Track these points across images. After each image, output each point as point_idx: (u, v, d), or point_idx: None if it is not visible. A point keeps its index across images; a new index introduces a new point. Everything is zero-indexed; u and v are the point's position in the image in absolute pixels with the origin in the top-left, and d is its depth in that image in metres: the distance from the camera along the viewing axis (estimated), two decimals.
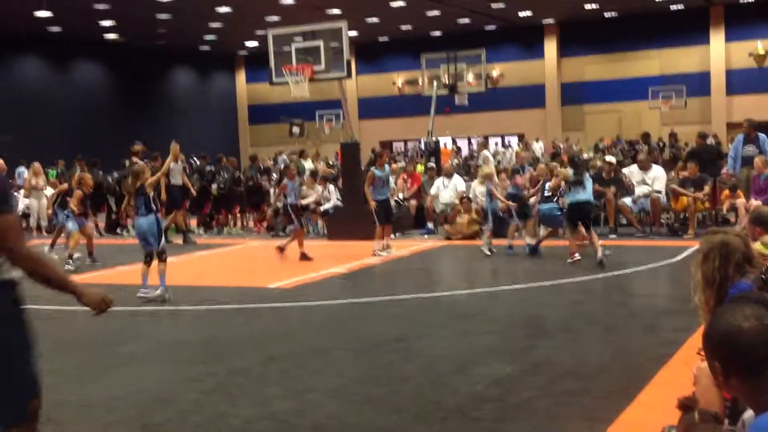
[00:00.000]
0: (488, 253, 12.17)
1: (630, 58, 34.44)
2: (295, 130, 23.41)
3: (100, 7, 26.57)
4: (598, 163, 15.62)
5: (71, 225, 13.05)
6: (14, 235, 3.30)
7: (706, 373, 3.55)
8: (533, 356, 6.38)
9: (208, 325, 8.21)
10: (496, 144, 35.74)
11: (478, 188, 15.16)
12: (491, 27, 34.61)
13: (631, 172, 14.62)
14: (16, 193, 18.73)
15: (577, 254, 11.08)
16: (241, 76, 42.47)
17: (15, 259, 3.29)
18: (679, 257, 11.09)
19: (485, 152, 20.56)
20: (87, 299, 3.56)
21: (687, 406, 2.75)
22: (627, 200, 13.94)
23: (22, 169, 22.50)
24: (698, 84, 32.68)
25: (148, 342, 7.51)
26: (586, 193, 11.31)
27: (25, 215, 18.75)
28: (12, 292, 3.36)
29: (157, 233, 9.34)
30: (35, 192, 18.16)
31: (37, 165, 18.54)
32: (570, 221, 11.37)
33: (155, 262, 9.35)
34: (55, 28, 30.21)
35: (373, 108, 37.41)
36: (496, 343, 6.90)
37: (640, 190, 14.00)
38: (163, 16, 28.98)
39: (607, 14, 33.06)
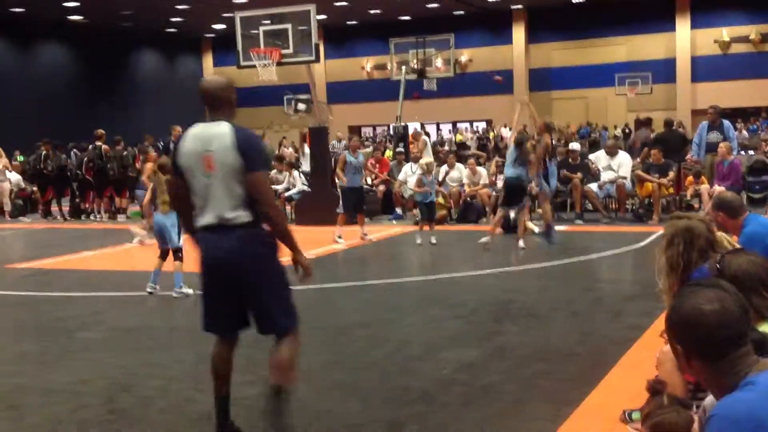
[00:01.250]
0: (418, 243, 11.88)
1: (597, 44, 34.69)
2: (301, 106, 23.10)
3: None
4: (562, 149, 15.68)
5: None
6: (267, 188, 4.19)
7: (670, 356, 3.58)
8: (499, 341, 6.42)
9: (174, 312, 8.13)
10: (466, 129, 35.86)
11: (446, 173, 15.19)
12: (460, 12, 34.60)
13: (597, 157, 14.74)
14: None
15: (486, 238, 11.11)
16: (208, 59, 42.08)
17: (266, 207, 4.07)
18: (643, 243, 11.20)
19: (424, 138, 20.14)
20: (302, 261, 4.21)
21: (657, 390, 2.77)
22: (593, 186, 14.04)
23: None
24: (664, 71, 33.03)
25: (112, 328, 7.42)
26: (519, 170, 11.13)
27: None
28: (262, 229, 4.15)
29: (178, 230, 8.40)
30: None
31: None
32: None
33: (169, 260, 8.59)
34: (19, 9, 29.64)
35: (341, 92, 37.26)
36: (462, 328, 6.92)
37: (606, 176, 14.12)
38: None
39: (575, 0, 33.21)
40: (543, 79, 35.66)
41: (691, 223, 3.95)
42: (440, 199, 14.43)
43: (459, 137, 33.30)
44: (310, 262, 4.32)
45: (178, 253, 8.44)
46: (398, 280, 9.45)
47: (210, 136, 4.09)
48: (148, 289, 8.69)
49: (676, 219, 4.05)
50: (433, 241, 11.79)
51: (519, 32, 36.05)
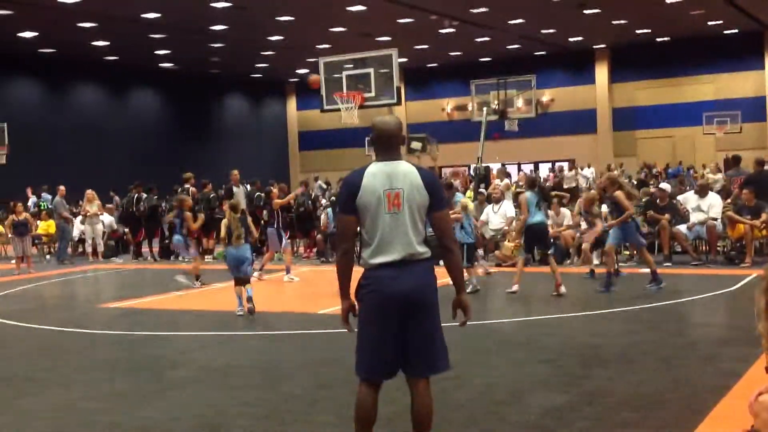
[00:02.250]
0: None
1: (683, 82, 34.06)
2: (415, 145, 23.33)
3: (156, 36, 27.22)
4: (652, 189, 15.41)
5: None
6: (451, 225, 4.46)
7: (767, 406, 3.45)
8: (587, 386, 6.28)
9: (259, 351, 8.26)
10: (550, 169, 35.50)
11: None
12: (541, 52, 34.52)
13: (686, 198, 14.38)
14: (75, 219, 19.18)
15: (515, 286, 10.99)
16: (291, 103, 43.02)
17: (450, 243, 4.28)
18: (736, 286, 10.85)
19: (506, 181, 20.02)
20: (465, 302, 4.42)
21: None
22: (682, 227, 13.70)
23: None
24: (753, 109, 32.12)
25: (200, 366, 7.57)
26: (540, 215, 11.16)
27: (81, 240, 19.15)
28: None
29: (251, 260, 10.52)
30: (89, 218, 18.51)
31: (90, 192, 18.93)
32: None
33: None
34: (113, 58, 31.03)
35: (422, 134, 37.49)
36: (549, 373, 6.81)
37: (695, 217, 13.76)
38: (217, 44, 29.56)
39: (659, 39, 32.76)
40: (627, 119, 35.15)
41: None
42: (517, 242, 14.27)
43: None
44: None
45: (248, 282, 10.21)
46: (480, 322, 9.36)
47: (394, 174, 4.17)
48: (238, 312, 10.02)
49: None
50: (469, 288, 11.02)
51: (602, 71, 35.70)
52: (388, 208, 4.14)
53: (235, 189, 14.21)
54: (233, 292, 10.28)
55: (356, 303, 4.32)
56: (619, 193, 10.73)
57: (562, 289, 10.81)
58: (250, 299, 10.03)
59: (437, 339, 4.30)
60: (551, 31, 29.89)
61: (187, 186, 17.98)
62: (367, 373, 4.26)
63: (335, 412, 5.78)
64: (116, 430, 5.64)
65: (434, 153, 15.73)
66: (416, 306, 4.18)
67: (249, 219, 11.85)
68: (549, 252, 11.41)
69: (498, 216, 15.41)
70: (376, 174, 4.19)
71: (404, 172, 4.18)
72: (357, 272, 4.28)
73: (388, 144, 4.27)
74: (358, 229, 4.27)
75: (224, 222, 10.55)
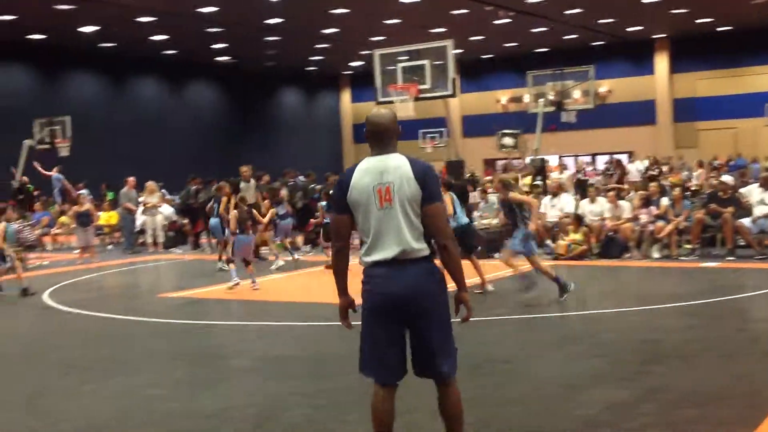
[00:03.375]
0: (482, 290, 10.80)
1: (746, 72, 33.17)
2: (507, 141, 23.09)
3: (213, 30, 27.56)
4: (714, 181, 15.09)
5: None
6: (446, 219, 4.14)
7: None
8: (647, 382, 6.18)
9: (314, 341, 8.33)
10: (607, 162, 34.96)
11: (587, 207, 14.89)
12: (599, 42, 33.98)
13: (750, 191, 14.04)
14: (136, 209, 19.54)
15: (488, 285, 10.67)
16: (346, 96, 43.15)
17: (444, 239, 4.04)
18: None
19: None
20: (468, 299, 4.21)
21: None
22: (746, 221, 13.38)
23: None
24: None
25: (258, 356, 7.67)
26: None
27: (141, 231, 19.54)
28: (436, 265, 4.12)
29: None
30: (149, 209, 18.87)
31: (150, 183, 19.27)
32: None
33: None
34: (171, 52, 31.51)
35: (476, 126, 37.27)
36: (606, 367, 6.72)
37: (759, 211, 13.42)
38: (273, 38, 29.80)
39: (720, 28, 31.96)
40: (688, 110, 34.38)
41: None
42: (578, 235, 14.12)
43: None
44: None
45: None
46: (535, 316, 9.30)
47: (385, 168, 4.04)
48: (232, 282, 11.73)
49: None
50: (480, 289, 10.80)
51: (662, 61, 34.98)
52: (380, 204, 4.01)
53: (243, 184, 14.81)
54: (292, 282, 10.38)
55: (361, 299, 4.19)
56: (514, 195, 10.14)
57: (489, 287, 10.70)
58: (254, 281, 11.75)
59: (437, 342, 4.10)
60: (610, 20, 29.40)
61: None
62: (370, 373, 4.17)
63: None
64: (177, 416, 5.76)
65: (522, 147, 15.64)
66: (411, 309, 4.02)
67: (254, 212, 12.96)
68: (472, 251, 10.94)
69: (556, 209, 15.25)
70: (367, 170, 4.07)
71: (395, 165, 4.03)
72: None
73: (381, 137, 4.13)
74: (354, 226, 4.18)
75: (234, 214, 12.09)
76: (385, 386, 4.16)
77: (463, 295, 4.17)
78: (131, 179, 19.56)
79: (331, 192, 13.34)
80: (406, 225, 4.00)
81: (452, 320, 4.23)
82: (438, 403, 4.24)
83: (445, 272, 4.16)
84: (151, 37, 28.24)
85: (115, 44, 29.29)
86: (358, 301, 4.28)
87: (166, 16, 24.71)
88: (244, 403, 5.98)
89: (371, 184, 4.03)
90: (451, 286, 4.19)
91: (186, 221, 19.58)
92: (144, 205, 19.09)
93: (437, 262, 4.14)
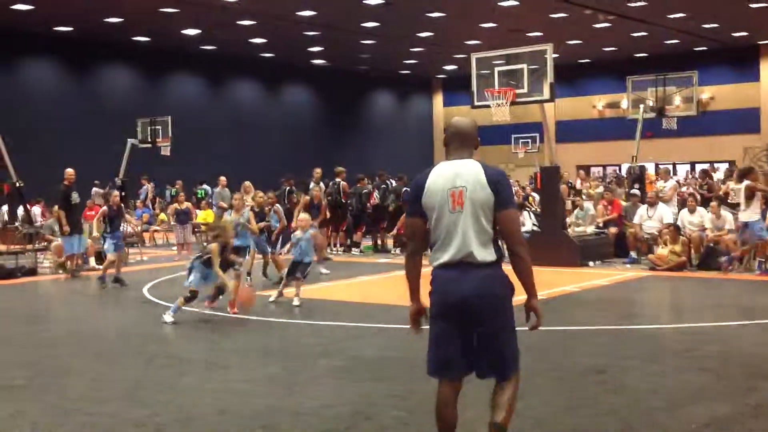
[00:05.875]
0: None
1: None
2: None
3: (310, 33, 27.97)
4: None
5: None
6: (518, 226, 4.23)
7: None
8: (754, 398, 5.93)
9: (408, 344, 8.31)
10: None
11: (686, 217, 14.45)
12: (701, 48, 32.93)
13: None
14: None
15: None
16: (438, 99, 43.10)
17: (517, 245, 4.09)
18: None
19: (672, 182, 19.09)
20: (538, 307, 4.20)
21: None
22: None
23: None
24: None
25: (352, 356, 7.72)
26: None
27: None
28: (503, 270, 4.16)
29: None
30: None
31: (247, 183, 19.63)
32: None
33: None
34: (269, 54, 32.14)
35: (570, 131, 36.65)
36: (709, 382, 6.48)
37: None
38: (368, 41, 30.03)
39: None
40: None
41: None
42: (677, 247, 13.69)
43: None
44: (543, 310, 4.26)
45: None
46: (633, 327, 9.06)
47: (459, 172, 4.12)
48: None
49: None
50: (296, 302, 10.81)
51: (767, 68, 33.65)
52: (452, 207, 4.08)
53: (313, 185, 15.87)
54: (379, 284, 10.40)
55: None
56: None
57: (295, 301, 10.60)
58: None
59: (505, 347, 4.16)
60: (714, 25, 28.45)
61: (338, 180, 18.37)
62: (435, 372, 4.24)
63: (484, 409, 5.73)
64: (273, 412, 5.84)
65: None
66: (474, 310, 4.07)
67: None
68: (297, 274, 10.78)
69: (654, 220, 14.82)
70: (442, 173, 4.16)
71: (469, 170, 4.10)
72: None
73: (460, 143, 4.24)
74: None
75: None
76: (449, 384, 4.22)
77: (532, 303, 4.19)
78: (223, 178, 20.03)
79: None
80: (476, 229, 4.07)
81: (522, 328, 4.27)
82: (492, 395, 4.26)
83: (515, 278, 4.19)
84: (250, 40, 28.87)
85: (215, 47, 30.07)
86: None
87: (265, 18, 25.23)
88: (338, 403, 6.02)
89: (445, 187, 4.11)
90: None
91: None
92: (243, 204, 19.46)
93: (507, 267, 4.17)
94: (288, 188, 19.15)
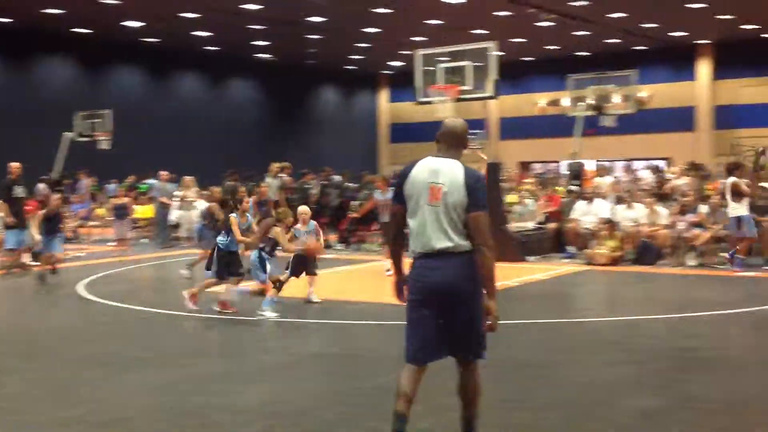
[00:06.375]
0: None
1: None
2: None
3: (256, 27, 27.74)
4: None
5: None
6: (486, 228, 4.33)
7: None
8: (683, 390, 6.12)
9: (349, 340, 8.35)
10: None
11: (622, 212, 14.77)
12: (640, 47, 33.61)
13: None
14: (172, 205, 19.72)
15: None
16: (384, 95, 43.14)
17: (483, 246, 4.27)
18: None
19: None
20: (495, 310, 4.36)
21: None
22: None
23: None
24: None
25: (292, 353, 7.71)
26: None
27: (176, 225, 19.69)
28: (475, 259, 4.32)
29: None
30: (186, 204, 18.99)
31: (187, 178, 19.41)
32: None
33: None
34: (213, 48, 31.78)
35: (513, 128, 37.07)
36: (642, 375, 6.66)
37: None
38: (314, 36, 29.91)
39: (765, 35, 31.43)
40: (729, 117, 33.86)
41: None
42: (611, 242, 13.98)
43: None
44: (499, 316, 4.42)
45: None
46: (570, 320, 9.23)
47: (440, 169, 4.36)
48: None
49: None
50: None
51: (704, 67, 34.50)
52: (430, 200, 4.33)
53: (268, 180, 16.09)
54: (320, 281, 10.34)
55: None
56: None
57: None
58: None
59: (475, 327, 4.37)
60: (653, 25, 29.05)
61: (281, 175, 18.28)
62: (412, 358, 4.39)
63: (423, 403, 5.79)
64: (210, 410, 5.78)
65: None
66: (451, 297, 4.30)
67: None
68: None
69: (591, 214, 15.12)
70: (426, 166, 4.41)
71: (450, 169, 4.35)
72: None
73: (449, 143, 4.51)
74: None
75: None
76: (414, 365, 4.39)
77: (490, 304, 4.37)
78: (164, 173, 19.75)
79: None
80: (449, 224, 4.32)
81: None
82: (458, 384, 4.50)
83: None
84: (194, 33, 28.52)
85: (159, 39, 29.61)
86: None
87: (209, 12, 24.94)
88: (279, 400, 6.00)
89: (426, 180, 4.37)
90: None
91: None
92: (181, 199, 19.25)
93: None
94: (232, 183, 18.98)
